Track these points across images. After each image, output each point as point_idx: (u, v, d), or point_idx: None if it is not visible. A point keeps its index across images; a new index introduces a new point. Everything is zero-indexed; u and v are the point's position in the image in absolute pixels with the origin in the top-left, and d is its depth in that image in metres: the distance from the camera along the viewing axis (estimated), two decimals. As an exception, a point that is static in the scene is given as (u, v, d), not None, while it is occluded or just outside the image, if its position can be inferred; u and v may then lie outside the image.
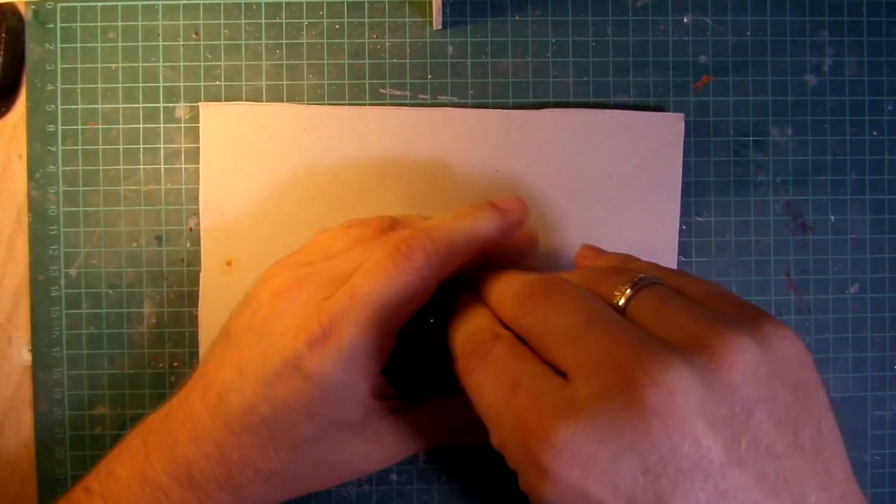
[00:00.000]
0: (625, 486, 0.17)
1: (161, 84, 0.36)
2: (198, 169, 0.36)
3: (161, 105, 0.36)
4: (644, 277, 0.22)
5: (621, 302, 0.22)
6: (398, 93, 0.37)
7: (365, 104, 0.36)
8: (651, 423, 0.17)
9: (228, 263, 0.35)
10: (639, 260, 0.28)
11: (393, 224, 0.29)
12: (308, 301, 0.26)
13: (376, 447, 0.28)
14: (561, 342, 0.20)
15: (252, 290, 0.29)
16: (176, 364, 0.36)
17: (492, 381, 0.21)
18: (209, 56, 0.36)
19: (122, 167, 0.36)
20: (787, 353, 0.19)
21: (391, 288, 0.25)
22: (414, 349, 0.32)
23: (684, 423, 0.17)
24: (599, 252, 0.29)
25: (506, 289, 0.24)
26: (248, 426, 0.26)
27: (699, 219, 0.37)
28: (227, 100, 0.36)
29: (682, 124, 0.36)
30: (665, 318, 0.20)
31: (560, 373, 0.20)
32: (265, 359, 0.25)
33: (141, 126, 0.36)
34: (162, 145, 0.36)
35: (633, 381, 0.18)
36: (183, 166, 0.36)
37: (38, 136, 0.36)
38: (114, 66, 0.36)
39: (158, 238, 0.36)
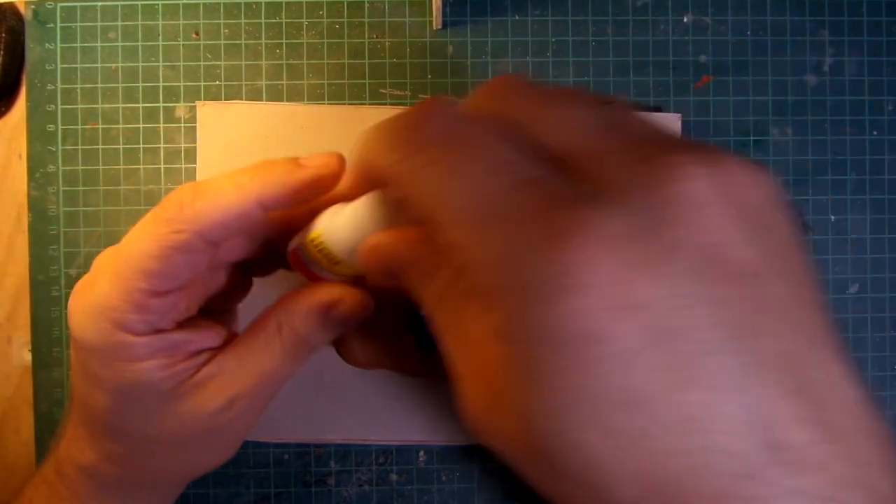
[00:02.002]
0: (668, 291, 0.14)
1: (161, 84, 0.36)
2: (196, 169, 0.36)
3: (161, 105, 0.36)
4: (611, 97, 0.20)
5: None
6: (398, 93, 0.37)
7: (365, 104, 0.36)
8: (695, 216, 0.14)
9: (228, 263, 0.35)
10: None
11: None
12: (100, 258, 0.26)
13: (198, 402, 0.26)
14: (567, 139, 0.16)
15: None
16: (176, 364, 0.36)
17: (482, 160, 0.16)
18: (209, 56, 0.36)
19: (122, 167, 0.36)
20: (782, 199, 0.16)
21: (143, 241, 0.24)
22: None
23: (725, 224, 0.15)
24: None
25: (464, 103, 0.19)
26: (77, 406, 0.27)
27: (699, 219, 0.37)
28: (227, 99, 0.36)
29: (679, 125, 0.36)
30: (655, 136, 0.17)
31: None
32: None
33: (141, 126, 0.36)
34: (162, 145, 0.36)
35: (671, 173, 0.15)
36: (183, 166, 0.36)
37: (38, 136, 0.36)
38: (114, 66, 0.36)
39: (158, 238, 0.36)
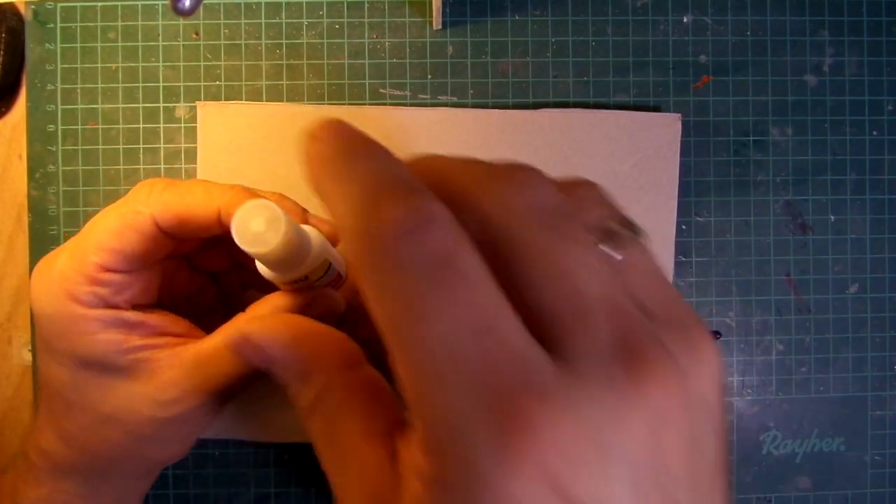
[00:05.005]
0: (606, 498, 0.14)
1: (161, 84, 0.36)
2: (196, 169, 0.36)
3: (161, 105, 0.36)
4: (621, 224, 0.18)
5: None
6: (398, 93, 0.37)
7: (365, 104, 0.36)
8: (651, 429, 0.15)
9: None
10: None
11: None
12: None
13: (152, 388, 0.26)
14: (558, 296, 0.15)
15: None
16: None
17: (453, 306, 0.14)
18: (209, 56, 0.36)
19: (122, 167, 0.36)
20: (723, 376, 0.18)
21: (106, 218, 0.25)
22: None
23: (676, 434, 0.15)
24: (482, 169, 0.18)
25: (453, 164, 0.17)
26: (41, 388, 0.27)
27: (699, 219, 0.37)
28: (227, 100, 0.36)
29: (680, 124, 0.36)
30: (650, 294, 0.17)
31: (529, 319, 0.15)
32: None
33: (141, 126, 0.36)
34: (162, 145, 0.36)
35: (643, 377, 0.15)
36: (183, 166, 0.36)
37: (38, 136, 0.36)
38: (114, 66, 0.36)
39: (158, 238, 0.36)
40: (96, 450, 0.27)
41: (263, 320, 0.21)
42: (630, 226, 0.18)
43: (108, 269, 0.25)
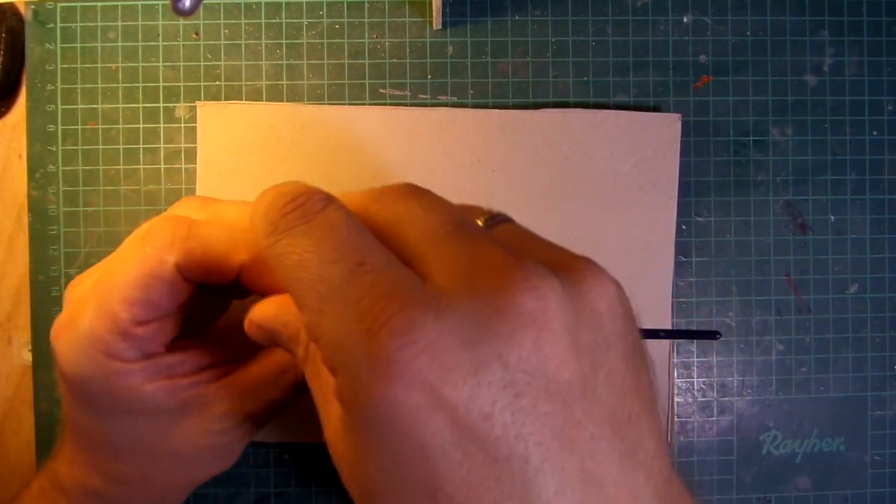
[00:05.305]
0: (482, 401, 0.15)
1: (161, 84, 0.36)
2: (196, 169, 0.36)
3: (161, 105, 0.36)
4: (498, 213, 0.21)
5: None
6: (398, 93, 0.37)
7: (365, 104, 0.36)
8: (523, 333, 0.16)
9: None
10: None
11: None
12: (74, 290, 0.25)
13: (205, 420, 0.26)
14: (425, 238, 0.18)
15: None
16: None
17: (324, 250, 0.18)
18: (209, 56, 0.36)
19: (122, 167, 0.36)
20: (626, 302, 0.19)
21: (126, 269, 0.24)
22: None
23: (555, 340, 0.16)
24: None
25: (354, 194, 0.21)
26: (76, 435, 0.27)
27: (699, 219, 0.37)
28: (227, 100, 0.36)
29: (679, 124, 0.36)
30: (528, 245, 0.20)
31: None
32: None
33: (141, 126, 0.36)
34: (162, 145, 0.36)
35: (508, 285, 0.16)
36: (183, 166, 0.36)
37: (38, 136, 0.36)
38: (114, 66, 0.36)
39: (158, 238, 0.36)
40: (153, 482, 0.27)
41: (257, 303, 0.23)
42: (503, 215, 0.21)
43: (141, 323, 0.24)
